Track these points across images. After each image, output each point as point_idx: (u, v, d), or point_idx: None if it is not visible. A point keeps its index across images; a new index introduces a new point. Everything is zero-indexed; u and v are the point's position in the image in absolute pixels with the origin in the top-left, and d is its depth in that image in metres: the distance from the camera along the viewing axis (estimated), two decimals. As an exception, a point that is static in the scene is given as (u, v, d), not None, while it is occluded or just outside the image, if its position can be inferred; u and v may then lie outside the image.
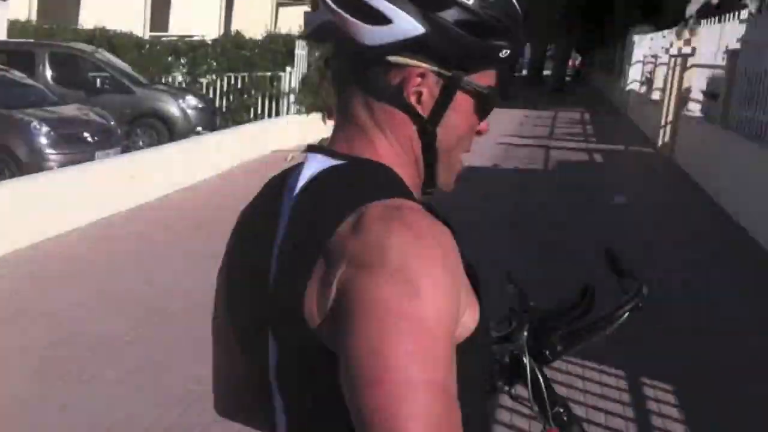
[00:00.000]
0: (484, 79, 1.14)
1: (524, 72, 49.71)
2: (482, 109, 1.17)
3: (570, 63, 50.75)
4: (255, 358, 1.13)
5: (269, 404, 1.13)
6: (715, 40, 13.68)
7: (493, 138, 15.25)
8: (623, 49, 26.06)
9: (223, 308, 1.22)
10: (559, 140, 16.62)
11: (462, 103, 1.14)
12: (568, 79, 46.71)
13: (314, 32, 1.15)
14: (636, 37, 22.80)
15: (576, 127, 19.78)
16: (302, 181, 1.10)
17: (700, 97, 13.22)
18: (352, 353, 0.94)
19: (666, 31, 19.07)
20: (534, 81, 41.90)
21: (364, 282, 0.96)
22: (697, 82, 13.56)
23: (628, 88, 22.99)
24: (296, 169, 1.15)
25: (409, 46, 1.08)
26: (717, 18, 14.22)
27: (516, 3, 1.14)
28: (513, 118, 19.40)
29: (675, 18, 19.59)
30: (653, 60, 19.30)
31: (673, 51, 14.84)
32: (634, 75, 22.46)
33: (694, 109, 13.31)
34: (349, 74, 1.14)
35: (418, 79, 1.10)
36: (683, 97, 13.77)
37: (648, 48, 21.06)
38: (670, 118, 14.36)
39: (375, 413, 0.91)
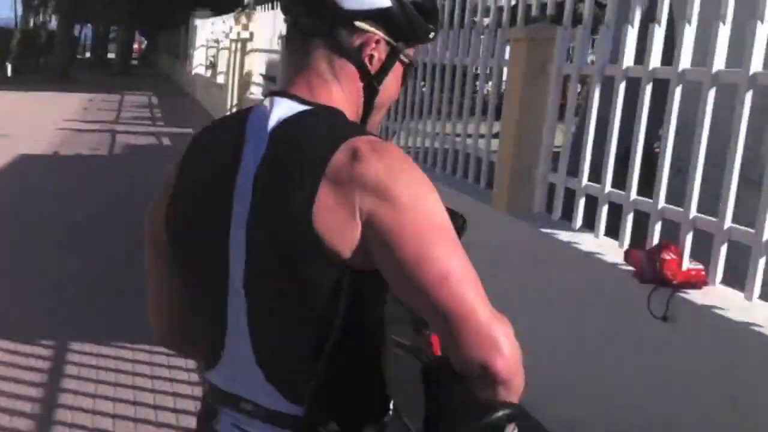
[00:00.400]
0: (411, 53, 1.42)
1: (87, 54, 47.46)
2: (405, 77, 1.44)
3: (135, 46, 49.69)
4: (211, 272, 1.35)
5: (219, 319, 1.35)
6: (271, 25, 14.32)
7: (53, 123, 14.35)
8: (187, 33, 26.17)
9: (170, 236, 1.41)
10: (127, 124, 16.19)
11: (397, 69, 1.41)
12: (134, 62, 45.74)
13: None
14: (198, 21, 23.01)
15: (144, 111, 19.44)
16: (274, 120, 1.32)
17: (261, 80, 13.77)
18: (410, 267, 1.22)
19: (225, 16, 19.53)
20: (98, 63, 40.35)
21: (392, 212, 1.23)
22: (257, 66, 14.09)
23: (193, 71, 23.17)
24: (254, 110, 1.36)
25: (373, 15, 1.35)
26: (272, 4, 14.91)
27: None
28: (76, 102, 18.40)
29: (234, 3, 20.15)
30: (216, 44, 19.64)
31: (233, 36, 15.25)
32: (199, 59, 22.68)
33: (256, 92, 13.83)
34: (317, 32, 1.36)
35: (374, 45, 1.37)
36: (245, 81, 14.23)
37: (210, 32, 21.38)
38: (235, 101, 14.74)
39: (449, 301, 1.21)
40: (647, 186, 3.31)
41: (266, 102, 1.36)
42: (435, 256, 1.22)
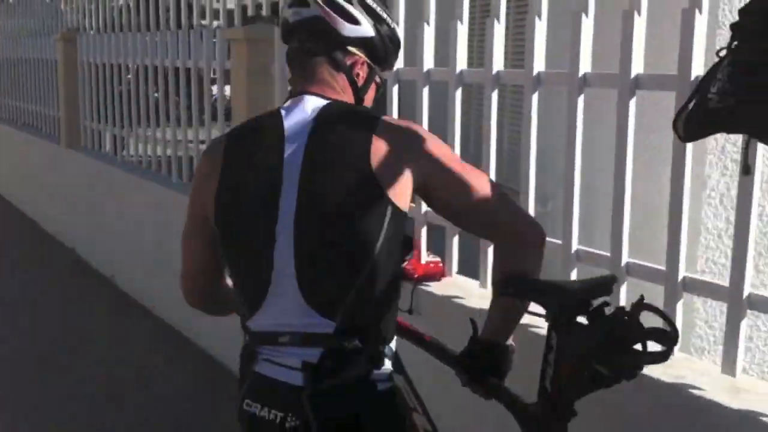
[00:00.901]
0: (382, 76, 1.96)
1: None
2: (377, 93, 1.96)
3: None
4: (259, 229, 1.72)
5: (265, 266, 1.71)
6: None
7: None
8: None
9: (218, 208, 1.77)
10: None
11: (372, 86, 1.92)
12: None
13: (303, 21, 1.84)
14: None
15: None
16: (311, 107, 1.78)
17: None
18: (461, 193, 1.79)
19: None
20: None
21: (437, 164, 1.77)
22: None
23: None
24: (285, 106, 1.82)
25: (361, 42, 1.85)
26: None
27: None
28: None
29: None
30: None
31: None
32: None
33: None
34: (319, 52, 1.83)
35: (360, 65, 1.87)
36: None
37: None
38: None
39: (498, 206, 1.82)
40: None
41: (290, 101, 1.83)
42: (476, 184, 1.80)
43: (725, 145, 3.62)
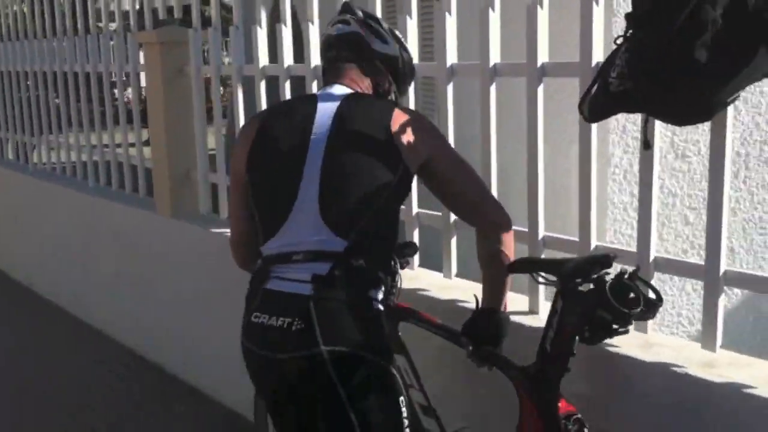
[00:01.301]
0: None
1: None
2: None
3: None
4: (288, 173, 2.07)
5: (289, 198, 2.04)
6: None
7: None
8: None
9: (256, 162, 2.14)
10: None
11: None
12: None
13: (343, 36, 2.28)
14: None
15: None
16: (339, 91, 2.20)
17: None
18: (458, 178, 2.20)
19: None
20: None
21: (443, 148, 2.23)
22: None
23: None
24: (319, 91, 2.27)
25: (387, 60, 2.29)
26: None
27: None
28: None
29: None
30: None
31: None
32: None
33: None
34: (353, 61, 2.26)
35: (383, 78, 2.29)
36: None
37: None
38: None
39: (482, 197, 2.25)
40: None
41: (322, 89, 2.26)
42: (468, 170, 2.21)
43: (626, 125, 3.85)
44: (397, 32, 2.36)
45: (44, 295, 5.87)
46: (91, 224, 5.15)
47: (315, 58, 3.26)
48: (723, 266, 2.15)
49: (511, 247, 2.23)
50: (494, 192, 2.67)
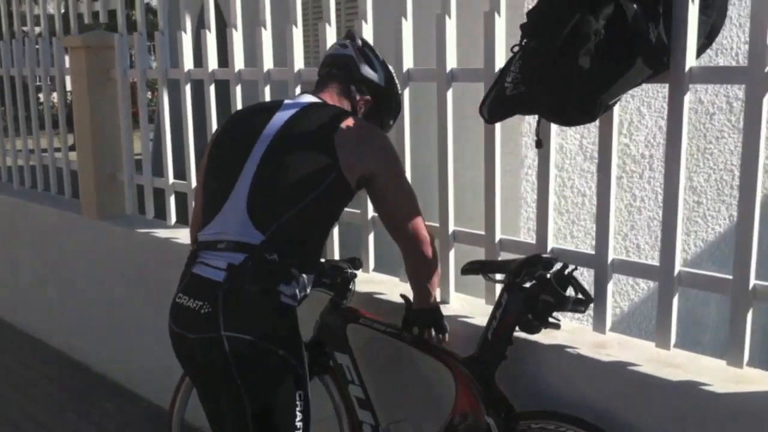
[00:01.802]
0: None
1: None
2: None
3: None
4: (231, 167, 2.25)
5: (226, 191, 2.23)
6: None
7: None
8: None
9: (215, 151, 2.37)
10: None
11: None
12: None
13: (338, 56, 2.50)
14: None
15: None
16: (304, 101, 2.38)
17: None
18: (393, 197, 2.35)
19: None
20: None
21: (388, 164, 2.34)
22: None
23: None
24: (289, 99, 2.43)
25: (372, 86, 2.48)
26: None
27: None
28: None
29: None
30: None
31: None
32: None
33: None
34: (340, 79, 2.46)
35: (364, 103, 2.47)
36: None
37: None
38: None
39: (406, 211, 2.37)
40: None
41: (296, 97, 2.45)
42: (407, 186, 2.38)
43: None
44: (391, 68, 2.54)
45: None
46: (16, 226, 5.15)
47: (239, 63, 3.40)
48: (611, 255, 2.35)
49: (429, 260, 2.42)
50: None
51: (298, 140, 2.24)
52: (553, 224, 2.50)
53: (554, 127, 2.40)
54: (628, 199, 4.43)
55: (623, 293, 4.49)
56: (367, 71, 2.47)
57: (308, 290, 2.31)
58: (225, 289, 2.12)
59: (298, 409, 2.21)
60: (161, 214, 4.05)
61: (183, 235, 3.82)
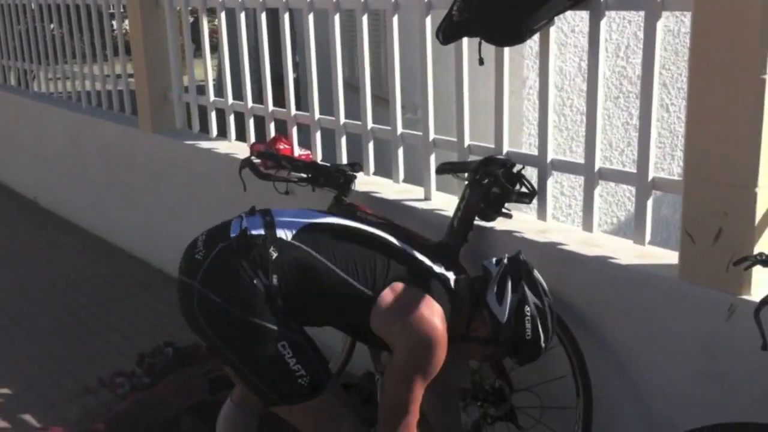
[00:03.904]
0: None
1: None
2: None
3: None
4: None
5: None
6: None
7: None
8: None
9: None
10: None
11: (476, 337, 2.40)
12: None
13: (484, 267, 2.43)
14: None
15: None
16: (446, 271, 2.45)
17: None
18: (386, 392, 2.34)
19: None
20: None
21: (399, 356, 2.29)
22: None
23: None
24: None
25: (492, 318, 2.32)
26: None
27: None
28: None
29: None
30: None
31: None
32: None
33: None
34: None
35: (478, 325, 2.37)
36: None
37: None
38: None
39: (390, 413, 2.31)
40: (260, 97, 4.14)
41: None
42: (405, 389, 2.23)
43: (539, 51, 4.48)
44: (539, 321, 2.30)
45: (47, 207, 6.60)
46: (85, 140, 5.84)
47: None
48: (598, 164, 2.72)
49: None
50: (430, 110, 3.20)
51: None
52: (552, 140, 2.89)
53: (552, 50, 2.75)
54: (624, 118, 4.82)
55: (620, 204, 4.92)
56: (491, 299, 2.32)
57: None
58: (223, 247, 2.28)
59: (287, 356, 2.25)
60: (222, 132, 4.56)
61: (222, 147, 4.41)
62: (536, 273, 2.38)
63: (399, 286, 2.27)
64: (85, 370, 3.84)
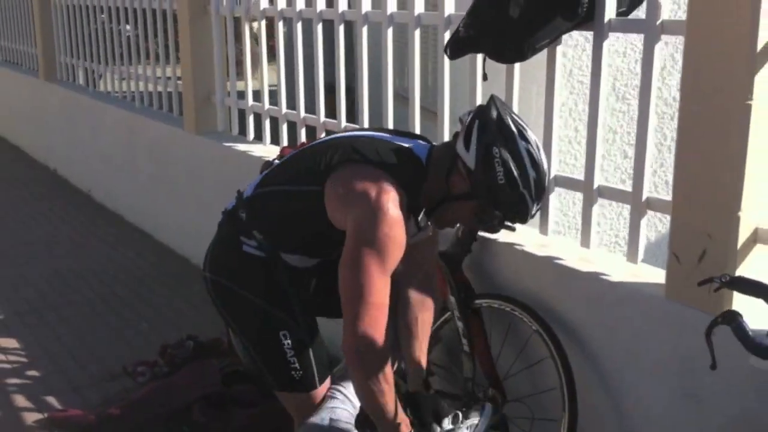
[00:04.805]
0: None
1: None
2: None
3: None
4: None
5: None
6: None
7: None
8: None
9: None
10: None
11: (460, 205, 2.34)
12: None
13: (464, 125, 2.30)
14: None
15: None
16: (417, 143, 2.41)
17: None
18: (344, 261, 2.14)
19: None
20: None
21: (354, 225, 2.16)
22: None
23: None
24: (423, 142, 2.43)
25: (466, 166, 2.25)
26: None
27: None
28: None
29: None
30: None
31: None
32: None
33: None
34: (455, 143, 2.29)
35: (458, 178, 2.29)
36: None
37: None
38: None
39: (349, 300, 2.12)
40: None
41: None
42: (362, 256, 2.08)
43: (572, 69, 4.51)
44: (511, 163, 2.18)
45: (99, 200, 6.87)
46: (136, 137, 6.08)
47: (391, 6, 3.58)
48: (597, 182, 2.78)
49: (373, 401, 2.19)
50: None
51: (328, 150, 2.30)
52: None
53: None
54: (658, 138, 4.81)
55: (651, 225, 4.90)
56: (459, 147, 2.25)
57: (300, 264, 2.44)
58: (211, 251, 2.57)
59: (286, 347, 2.36)
60: (259, 135, 4.73)
61: (258, 150, 4.57)
62: (512, 116, 2.26)
63: (342, 168, 2.22)
64: (112, 357, 4.01)
